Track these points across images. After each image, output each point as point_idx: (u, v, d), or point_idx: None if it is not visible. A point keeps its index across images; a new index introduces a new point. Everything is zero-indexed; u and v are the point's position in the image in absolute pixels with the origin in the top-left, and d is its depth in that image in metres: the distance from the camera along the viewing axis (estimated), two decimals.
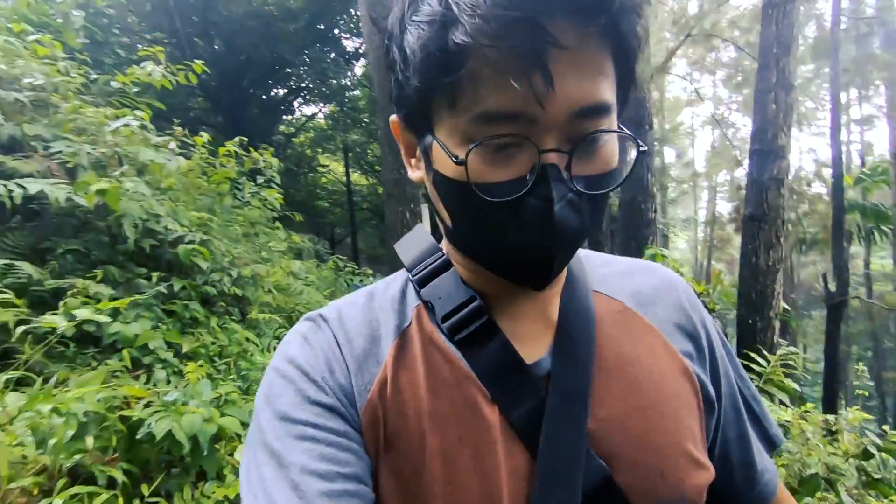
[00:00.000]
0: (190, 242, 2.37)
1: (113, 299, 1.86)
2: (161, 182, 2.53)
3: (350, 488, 0.43)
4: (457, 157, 0.43)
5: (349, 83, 12.70)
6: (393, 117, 0.53)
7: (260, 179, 4.01)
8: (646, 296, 0.58)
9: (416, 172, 0.53)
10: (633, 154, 0.47)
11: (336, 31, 11.57)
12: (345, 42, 11.77)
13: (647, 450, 0.48)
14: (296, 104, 13.14)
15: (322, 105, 13.78)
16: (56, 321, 1.56)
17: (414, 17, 0.43)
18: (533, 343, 0.51)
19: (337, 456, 0.44)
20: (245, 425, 1.60)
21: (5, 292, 1.70)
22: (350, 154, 15.81)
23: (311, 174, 17.27)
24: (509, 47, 0.38)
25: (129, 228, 1.94)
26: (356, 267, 6.20)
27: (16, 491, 1.21)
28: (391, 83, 0.49)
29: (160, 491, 1.39)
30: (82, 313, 1.59)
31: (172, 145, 2.51)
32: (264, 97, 10.91)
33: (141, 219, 2.06)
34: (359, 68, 12.45)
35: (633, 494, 0.46)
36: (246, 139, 3.38)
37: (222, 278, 2.60)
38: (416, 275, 0.55)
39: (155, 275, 2.13)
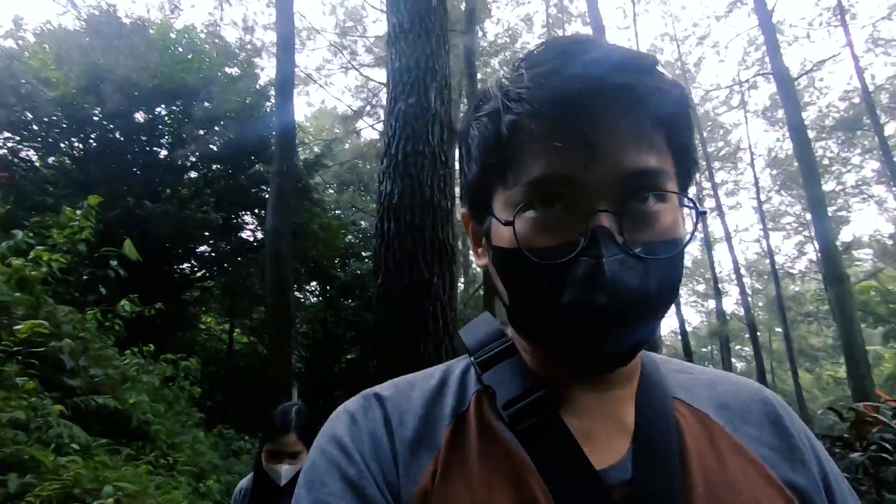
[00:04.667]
0: (153, 424, 4.40)
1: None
2: (144, 387, 4.58)
3: None
4: (506, 220, 0.46)
5: (246, 261, 15.02)
6: (462, 210, 0.57)
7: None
8: (734, 410, 0.52)
9: (482, 260, 0.55)
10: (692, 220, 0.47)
11: (241, 220, 14.31)
12: (247, 234, 14.53)
13: None
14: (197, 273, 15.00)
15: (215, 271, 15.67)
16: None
17: (475, 115, 0.50)
18: (603, 446, 0.47)
19: None
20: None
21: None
22: (235, 313, 17.38)
23: (191, 331, 18.21)
24: (551, 122, 0.43)
25: (136, 419, 3.98)
26: (234, 433, 7.86)
27: None
28: (461, 179, 0.54)
29: None
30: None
31: (157, 373, 4.65)
32: (171, 274, 12.83)
33: (142, 411, 4.12)
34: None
35: None
36: (186, 356, 5.55)
37: (163, 445, 4.56)
38: (478, 358, 0.53)
39: (140, 443, 4.10)
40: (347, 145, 21.32)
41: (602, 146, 0.43)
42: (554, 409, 0.48)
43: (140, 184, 11.31)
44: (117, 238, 6.84)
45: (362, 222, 19.13)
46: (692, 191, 0.52)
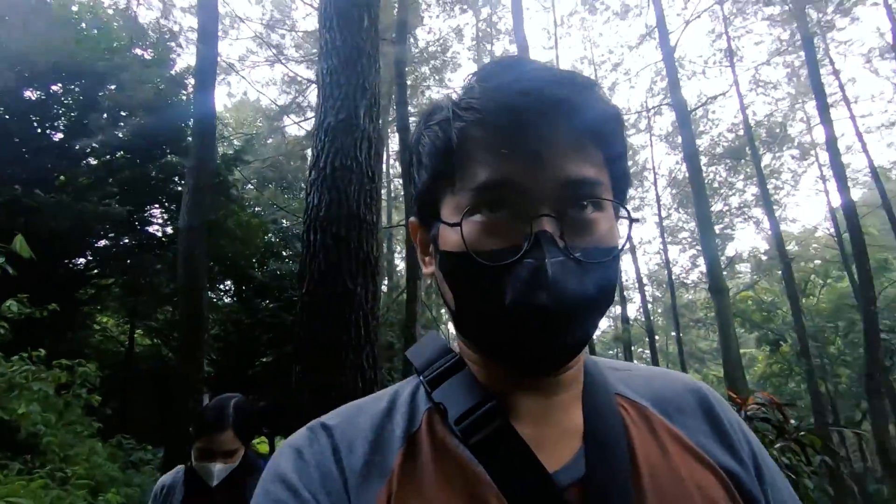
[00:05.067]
0: (44, 435, 4.08)
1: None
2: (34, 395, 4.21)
3: None
4: (453, 222, 0.48)
5: (152, 258, 13.99)
6: (412, 219, 0.58)
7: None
8: (670, 402, 0.55)
9: (429, 268, 0.56)
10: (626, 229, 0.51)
11: (149, 214, 13.31)
12: (154, 228, 13.53)
13: None
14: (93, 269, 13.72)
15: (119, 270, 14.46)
16: None
17: (427, 123, 0.53)
18: (555, 449, 0.48)
19: None
20: None
21: None
22: (138, 313, 16.10)
23: (84, 332, 16.56)
24: (498, 130, 0.46)
25: (25, 430, 3.68)
26: (135, 443, 7.36)
27: None
28: (411, 189, 0.57)
29: None
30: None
31: (50, 380, 4.30)
32: (64, 270, 11.66)
33: (31, 422, 3.81)
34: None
35: None
36: (84, 361, 5.15)
37: (55, 458, 4.24)
38: (427, 376, 0.53)
39: (28, 457, 3.77)
40: (270, 141, 20.55)
41: (545, 154, 0.46)
42: (505, 419, 0.48)
43: (29, 170, 10.18)
44: (1, 230, 6.20)
45: (284, 221, 18.54)
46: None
